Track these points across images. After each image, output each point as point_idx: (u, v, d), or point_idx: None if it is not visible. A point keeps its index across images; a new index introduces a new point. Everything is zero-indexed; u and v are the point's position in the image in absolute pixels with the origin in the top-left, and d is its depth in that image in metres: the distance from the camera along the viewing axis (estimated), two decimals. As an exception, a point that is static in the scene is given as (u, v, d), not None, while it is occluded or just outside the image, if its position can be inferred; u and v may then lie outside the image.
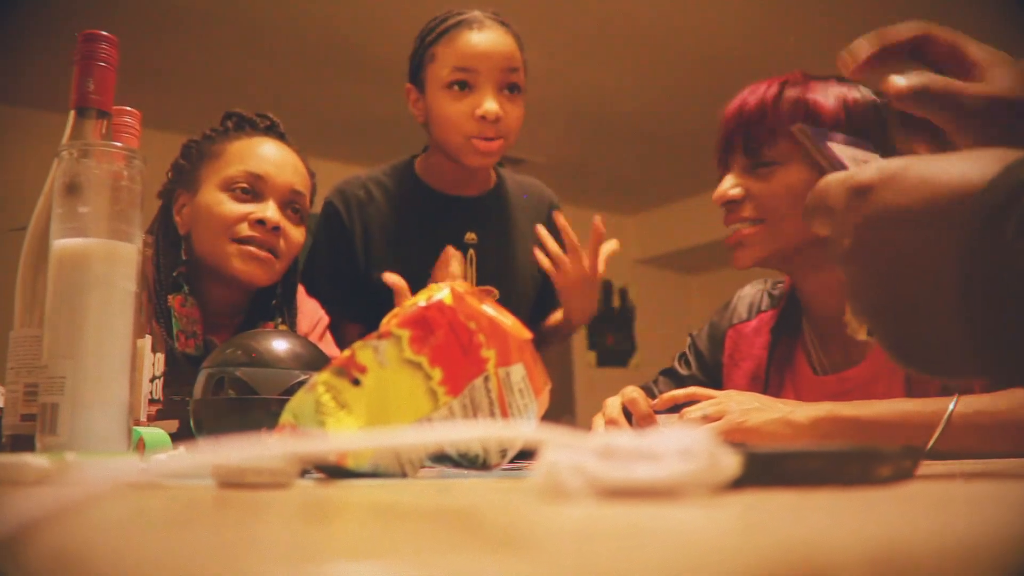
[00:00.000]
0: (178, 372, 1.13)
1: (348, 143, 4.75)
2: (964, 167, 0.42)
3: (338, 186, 1.52)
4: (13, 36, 3.41)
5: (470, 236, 1.48)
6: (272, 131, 1.32)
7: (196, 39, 3.67)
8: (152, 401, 0.86)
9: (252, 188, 1.25)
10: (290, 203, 1.28)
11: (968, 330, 0.41)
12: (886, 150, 1.08)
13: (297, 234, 1.29)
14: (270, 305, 1.31)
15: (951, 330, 0.42)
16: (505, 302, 1.53)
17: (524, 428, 0.45)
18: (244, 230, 1.23)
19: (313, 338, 1.36)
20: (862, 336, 0.51)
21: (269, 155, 1.28)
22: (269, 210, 1.24)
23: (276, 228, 1.24)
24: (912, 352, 0.46)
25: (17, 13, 3.26)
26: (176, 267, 1.23)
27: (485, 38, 1.38)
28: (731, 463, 0.33)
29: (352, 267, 1.47)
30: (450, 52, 1.38)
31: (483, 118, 1.36)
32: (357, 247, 1.47)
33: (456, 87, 1.37)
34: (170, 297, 1.20)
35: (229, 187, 1.24)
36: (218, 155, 1.27)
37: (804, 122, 1.07)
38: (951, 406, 0.81)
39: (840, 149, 0.67)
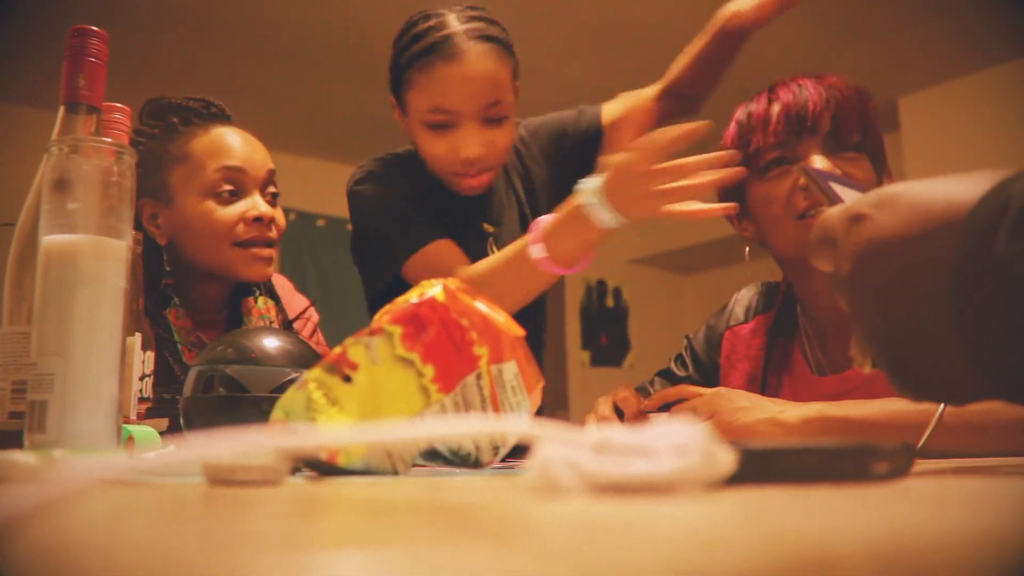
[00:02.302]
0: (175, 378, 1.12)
1: (348, 142, 4.74)
2: (954, 188, 0.43)
3: (363, 166, 1.37)
4: (2, 33, 3.39)
5: (487, 226, 1.40)
6: (221, 117, 1.28)
7: (193, 37, 3.66)
8: (142, 399, 0.86)
9: (235, 186, 1.22)
10: (267, 186, 1.26)
11: (965, 350, 0.41)
12: None
13: (281, 216, 1.27)
14: (247, 286, 1.30)
15: (950, 352, 0.42)
16: None
17: (519, 423, 0.44)
18: (243, 231, 1.21)
19: (304, 335, 1.36)
20: (867, 369, 0.52)
21: (237, 145, 1.24)
22: (261, 205, 1.23)
23: (270, 220, 1.23)
24: (915, 378, 0.47)
25: (6, 9, 3.25)
26: (161, 278, 1.21)
27: (464, 72, 1.21)
28: (727, 459, 0.33)
29: (417, 203, 1.31)
30: (426, 87, 1.23)
31: (465, 159, 1.25)
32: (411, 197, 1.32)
33: (435, 128, 1.24)
34: (166, 312, 1.19)
35: (214, 192, 1.21)
36: (184, 158, 1.22)
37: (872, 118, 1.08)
38: (942, 406, 0.81)
39: (840, 189, 0.71)
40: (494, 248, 1.39)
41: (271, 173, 1.26)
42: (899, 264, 0.44)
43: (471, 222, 1.39)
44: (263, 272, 1.24)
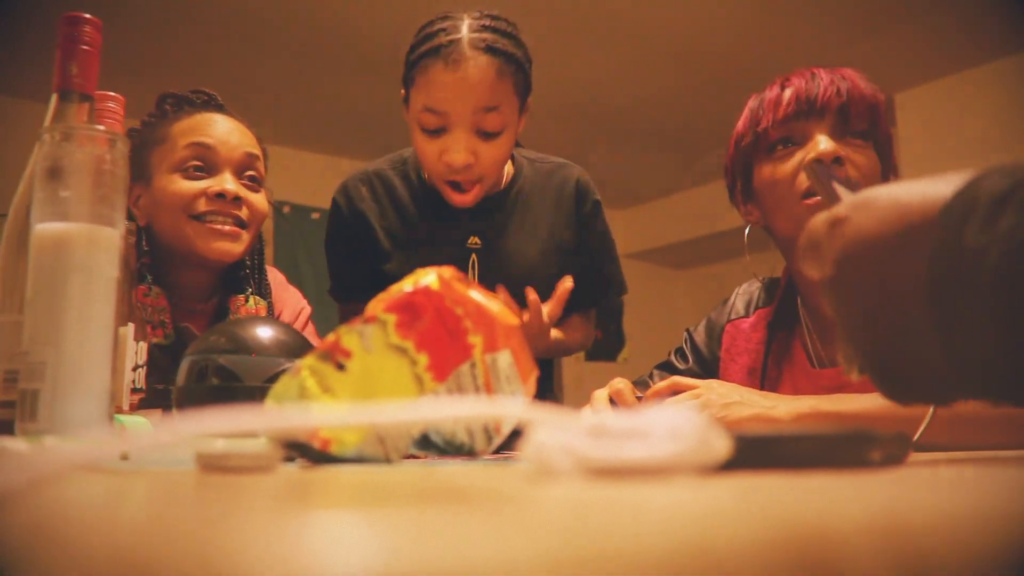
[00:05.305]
0: (151, 362, 1.11)
1: (343, 136, 4.73)
2: (929, 187, 0.44)
3: (343, 181, 1.45)
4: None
5: (473, 240, 1.36)
6: (212, 105, 1.28)
7: (196, 32, 3.64)
8: (135, 390, 0.85)
9: (204, 163, 1.21)
10: (246, 170, 1.25)
11: (943, 346, 0.42)
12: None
13: (258, 201, 1.26)
14: (239, 278, 1.29)
15: (929, 351, 0.43)
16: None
17: (513, 405, 0.44)
18: (202, 206, 1.20)
19: (296, 327, 1.35)
20: (855, 376, 0.52)
21: (214, 125, 1.24)
22: (227, 182, 1.21)
23: (237, 199, 1.21)
24: (897, 380, 0.47)
25: (4, 4, 3.24)
26: (138, 258, 1.21)
27: (458, 78, 1.21)
28: (722, 444, 0.33)
29: (357, 259, 1.40)
30: (423, 87, 1.23)
31: (450, 164, 1.25)
32: (361, 240, 1.40)
33: (428, 131, 1.25)
34: (133, 290, 1.18)
35: (181, 167, 1.21)
36: (164, 139, 1.23)
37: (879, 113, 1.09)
38: (935, 401, 0.81)
39: (842, 190, 0.72)
40: (475, 266, 1.37)
41: (250, 157, 1.25)
42: (878, 263, 0.45)
43: (458, 234, 1.37)
44: (226, 248, 1.22)
